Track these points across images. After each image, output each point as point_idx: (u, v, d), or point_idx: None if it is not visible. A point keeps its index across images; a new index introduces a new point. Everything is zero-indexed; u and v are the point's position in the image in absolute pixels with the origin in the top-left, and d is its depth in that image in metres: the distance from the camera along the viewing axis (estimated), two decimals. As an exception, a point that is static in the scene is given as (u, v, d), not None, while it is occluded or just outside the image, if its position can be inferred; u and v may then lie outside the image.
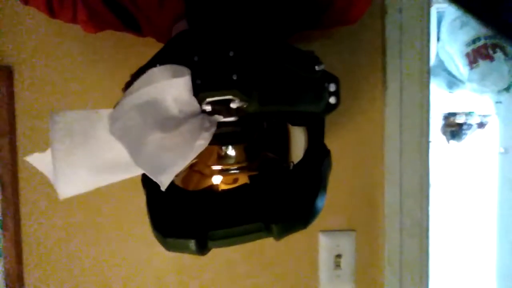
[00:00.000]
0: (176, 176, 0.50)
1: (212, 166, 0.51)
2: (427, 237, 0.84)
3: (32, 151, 0.81)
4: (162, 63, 0.41)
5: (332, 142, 0.83)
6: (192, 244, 0.40)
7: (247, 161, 0.51)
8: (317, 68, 0.46)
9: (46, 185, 0.81)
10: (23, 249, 0.83)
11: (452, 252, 2.22)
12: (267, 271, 0.84)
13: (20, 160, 0.81)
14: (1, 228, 0.80)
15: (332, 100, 0.48)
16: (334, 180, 0.83)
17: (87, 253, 0.83)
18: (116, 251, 0.83)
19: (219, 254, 0.84)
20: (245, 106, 0.40)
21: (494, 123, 2.01)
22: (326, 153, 0.51)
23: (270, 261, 0.84)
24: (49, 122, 0.39)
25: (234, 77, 0.39)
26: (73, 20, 0.60)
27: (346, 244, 0.83)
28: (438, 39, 1.81)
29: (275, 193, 0.44)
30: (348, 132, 0.83)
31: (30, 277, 0.83)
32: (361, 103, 0.83)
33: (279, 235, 0.41)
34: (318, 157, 0.49)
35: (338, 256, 0.83)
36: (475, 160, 2.25)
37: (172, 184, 0.49)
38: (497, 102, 1.81)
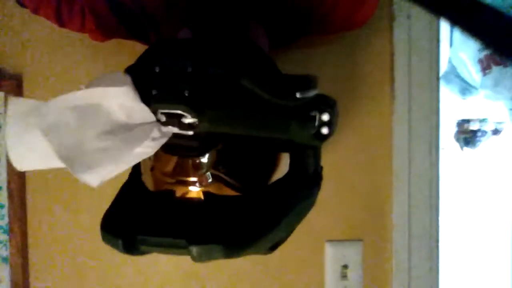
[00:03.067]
0: (144, 175, 0.51)
1: (166, 175, 0.51)
2: (437, 247, 0.82)
3: (39, 159, 0.82)
4: (130, 71, 0.42)
5: (339, 149, 0.83)
6: (119, 243, 0.43)
7: (200, 176, 0.50)
8: (298, 95, 0.43)
9: (53, 193, 0.82)
10: (30, 257, 0.83)
11: (464, 263, 2.17)
12: (272, 281, 0.83)
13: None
14: (8, 236, 0.81)
15: (324, 130, 0.44)
16: (340, 188, 0.82)
17: (93, 261, 0.83)
18: (122, 259, 0.83)
19: (224, 264, 0.83)
20: (196, 123, 0.40)
21: (509, 130, 1.97)
22: (308, 185, 0.48)
23: (275, 271, 0.83)
24: (7, 106, 0.41)
25: (186, 93, 0.40)
26: (81, 29, 0.61)
27: (353, 254, 0.81)
28: (451, 44, 1.79)
29: (216, 215, 0.43)
30: (355, 139, 0.82)
31: (36, 285, 0.84)
32: (369, 110, 0.82)
33: (197, 258, 0.40)
34: (292, 186, 0.46)
35: (345, 266, 0.81)
36: (490, 167, 2.21)
37: (139, 182, 0.50)
38: (511, 109, 1.78)
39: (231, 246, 0.41)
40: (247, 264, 0.83)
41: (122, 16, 0.61)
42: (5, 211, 0.81)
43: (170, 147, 0.41)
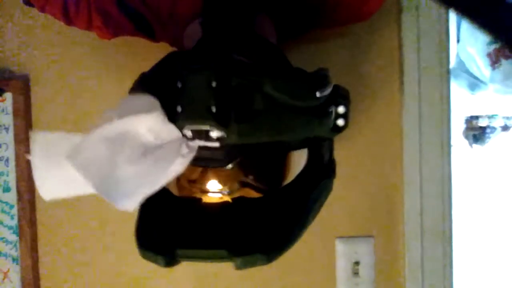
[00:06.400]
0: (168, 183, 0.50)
1: (192, 183, 0.51)
2: (450, 243, 0.81)
3: (47, 159, 0.82)
4: (149, 85, 0.42)
5: (348, 145, 0.81)
6: (160, 259, 0.42)
7: (227, 185, 0.51)
8: (318, 94, 0.43)
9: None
10: (40, 257, 0.83)
11: (477, 258, 2.14)
12: (282, 279, 0.83)
13: (36, 168, 0.82)
14: (18, 236, 0.81)
15: (340, 122, 0.45)
16: (350, 184, 0.81)
17: (102, 261, 0.84)
18: (132, 259, 0.83)
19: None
20: (224, 136, 0.40)
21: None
22: (325, 175, 0.48)
23: (285, 269, 0.82)
24: (30, 140, 0.41)
25: (213, 109, 0.39)
26: (88, 26, 0.61)
27: (364, 250, 0.80)
28: (458, 40, 1.76)
29: (250, 218, 0.44)
30: (365, 135, 0.81)
31: (47, 284, 0.84)
32: (378, 106, 0.81)
33: (240, 267, 0.41)
34: (311, 181, 0.47)
35: (356, 263, 0.80)
36: (500, 164, 2.18)
37: (165, 189, 0.48)
38: (522, 103, 1.75)
39: (272, 252, 0.42)
40: (256, 263, 0.82)
41: (129, 12, 0.60)
42: (14, 211, 0.81)
43: (196, 159, 0.41)
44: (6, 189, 0.81)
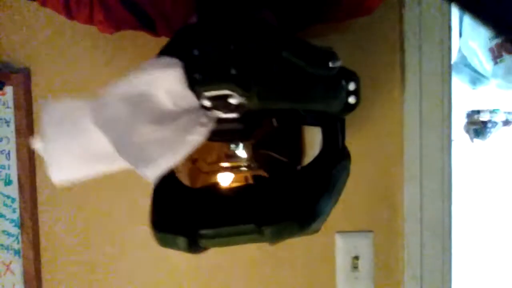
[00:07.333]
0: (179, 172, 0.50)
1: (211, 164, 0.50)
2: (449, 238, 0.81)
3: (49, 152, 0.82)
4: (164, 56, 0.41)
5: (349, 140, 0.81)
6: (181, 241, 0.40)
7: (249, 161, 0.50)
8: (331, 64, 0.43)
9: (64, 186, 0.82)
10: (41, 249, 0.84)
11: (476, 254, 2.15)
12: (282, 273, 0.83)
13: (37, 161, 0.82)
14: (20, 229, 0.81)
15: (351, 99, 0.46)
16: (351, 178, 0.80)
17: (104, 254, 0.84)
18: (134, 252, 0.84)
19: (234, 256, 0.83)
20: (245, 102, 0.39)
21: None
22: (342, 157, 0.49)
23: (285, 263, 0.83)
24: (41, 111, 0.39)
25: (233, 71, 0.39)
26: (90, 20, 0.61)
27: (363, 245, 0.81)
28: (460, 34, 1.76)
29: (274, 194, 0.43)
30: (366, 129, 0.81)
31: (49, 277, 0.84)
32: (379, 100, 0.81)
33: (271, 238, 0.40)
34: (331, 160, 0.47)
35: (356, 257, 0.81)
36: (501, 159, 2.18)
37: (176, 179, 0.48)
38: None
39: (304, 221, 0.40)
40: (257, 257, 0.83)
41: (131, 6, 0.60)
42: (16, 204, 0.81)
43: (214, 134, 0.40)
44: (8, 183, 0.81)
